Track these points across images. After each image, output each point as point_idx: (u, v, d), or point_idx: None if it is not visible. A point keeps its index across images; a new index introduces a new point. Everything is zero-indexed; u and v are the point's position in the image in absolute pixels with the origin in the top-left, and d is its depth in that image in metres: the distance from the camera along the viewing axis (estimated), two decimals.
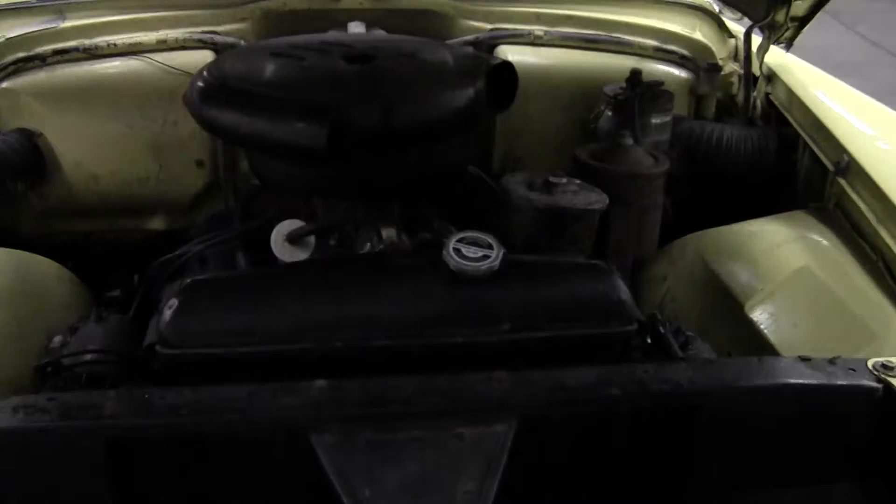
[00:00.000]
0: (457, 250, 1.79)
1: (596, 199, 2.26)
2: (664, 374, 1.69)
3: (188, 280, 1.87)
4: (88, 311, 2.37)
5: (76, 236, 3.10)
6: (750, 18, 3.06)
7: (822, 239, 2.49)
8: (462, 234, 1.83)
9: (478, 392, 1.61)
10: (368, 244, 2.11)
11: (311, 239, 2.22)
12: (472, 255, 1.79)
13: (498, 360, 1.79)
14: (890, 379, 1.71)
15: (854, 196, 2.45)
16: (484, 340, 1.79)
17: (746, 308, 2.31)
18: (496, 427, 1.62)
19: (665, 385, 1.66)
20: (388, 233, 2.11)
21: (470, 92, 2.16)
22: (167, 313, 1.77)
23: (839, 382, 1.71)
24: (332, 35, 2.84)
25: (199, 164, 2.98)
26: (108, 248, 3.13)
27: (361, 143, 2.07)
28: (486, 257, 1.79)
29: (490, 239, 1.83)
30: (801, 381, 1.70)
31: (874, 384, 1.71)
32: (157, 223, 3.11)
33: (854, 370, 1.74)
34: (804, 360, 1.75)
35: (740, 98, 3.19)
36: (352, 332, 1.77)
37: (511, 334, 1.80)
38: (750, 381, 1.70)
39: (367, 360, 1.78)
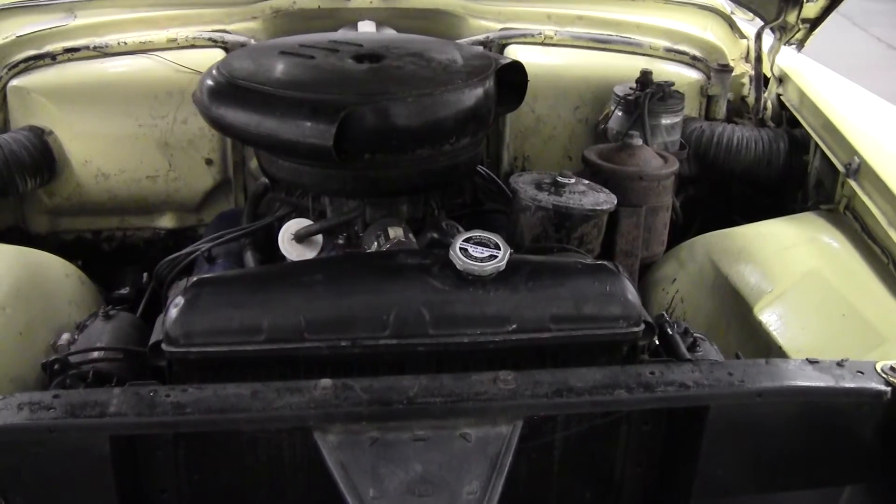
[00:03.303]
0: (463, 250, 1.79)
1: (604, 200, 2.25)
2: (671, 375, 1.67)
3: (194, 278, 1.86)
4: (97, 308, 2.37)
5: (85, 234, 3.12)
6: (761, 19, 3.05)
7: (833, 241, 2.48)
8: (469, 234, 1.82)
9: (483, 392, 1.60)
10: (375, 243, 2.10)
11: (319, 238, 2.22)
12: (478, 256, 1.78)
13: (504, 360, 1.79)
14: None
15: (865, 198, 2.43)
16: (490, 341, 1.78)
17: (756, 310, 2.30)
18: (501, 427, 1.61)
19: (671, 387, 1.65)
20: (395, 232, 2.10)
21: (479, 91, 2.15)
22: (173, 311, 1.76)
23: (847, 385, 1.70)
24: (341, 34, 2.84)
25: (209, 162, 2.99)
26: (117, 245, 3.15)
27: (369, 143, 2.06)
28: (492, 257, 1.78)
29: (497, 239, 1.82)
30: (808, 383, 1.69)
31: (882, 387, 1.70)
32: (166, 221, 3.12)
33: (862, 373, 1.73)
34: (812, 362, 1.74)
35: (751, 99, 3.18)
36: (357, 331, 1.76)
37: (517, 335, 1.79)
38: (757, 382, 1.68)
39: (372, 360, 1.77)
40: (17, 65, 2.90)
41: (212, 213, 3.06)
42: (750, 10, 3.19)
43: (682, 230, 2.88)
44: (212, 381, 1.66)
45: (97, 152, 2.93)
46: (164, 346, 1.75)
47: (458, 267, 1.77)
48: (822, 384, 1.69)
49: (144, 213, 3.10)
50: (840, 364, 1.74)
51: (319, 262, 2.15)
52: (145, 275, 2.77)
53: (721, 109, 3.16)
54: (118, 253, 3.14)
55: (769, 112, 3.13)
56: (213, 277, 1.92)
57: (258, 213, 2.52)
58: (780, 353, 2.17)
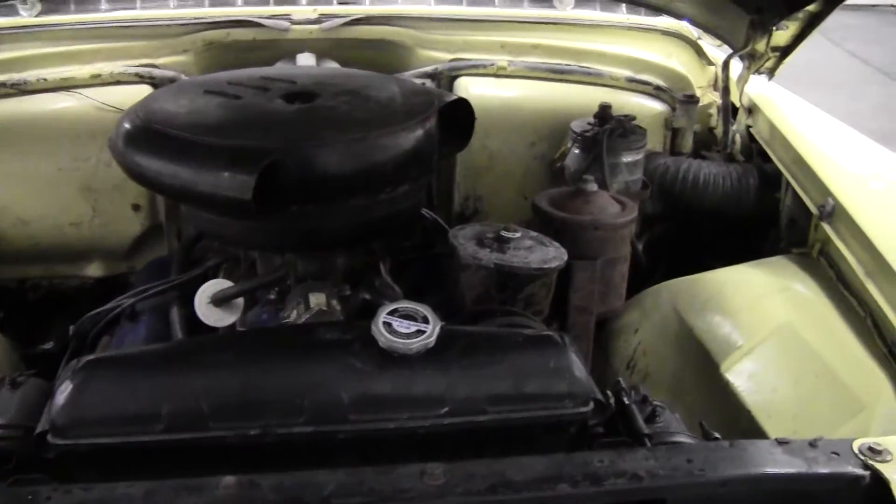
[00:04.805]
0: (387, 325, 1.59)
1: (553, 256, 2.04)
2: (622, 464, 1.49)
3: (85, 359, 1.66)
4: (11, 369, 2.19)
5: (9, 282, 2.92)
6: (730, 46, 2.88)
7: (806, 290, 2.29)
8: (394, 306, 1.62)
9: (408, 489, 1.41)
10: (294, 312, 1.90)
11: (240, 300, 2.02)
12: (403, 331, 1.59)
13: (438, 446, 1.60)
14: (877, 465, 1.51)
15: (839, 244, 2.25)
16: (419, 426, 1.58)
17: (723, 368, 2.12)
18: None
19: (622, 479, 1.46)
20: (316, 299, 1.89)
21: (418, 134, 1.97)
22: (59, 398, 1.56)
23: (820, 470, 1.51)
24: (276, 69, 2.66)
25: (136, 208, 2.81)
26: (43, 294, 2.97)
27: (296, 194, 1.87)
28: (420, 332, 1.59)
29: (426, 311, 1.62)
30: (777, 470, 1.51)
31: (860, 471, 1.51)
32: (93, 269, 2.94)
33: (837, 454, 1.54)
34: (781, 443, 1.56)
35: (719, 131, 3.01)
36: (269, 417, 1.56)
37: (450, 418, 1.59)
38: (720, 470, 1.50)
39: (285, 450, 1.58)
40: None
41: (144, 260, 2.87)
42: (717, 36, 3.02)
43: (646, 274, 2.70)
44: (105, 475, 1.46)
45: (14, 197, 2.75)
46: (49, 437, 1.55)
47: (381, 344, 1.58)
48: (792, 470, 1.51)
49: (70, 261, 2.91)
50: (813, 444, 1.55)
51: (226, 338, 1.95)
52: (72, 328, 2.59)
53: (687, 143, 2.99)
54: (45, 302, 2.95)
55: (738, 146, 2.96)
56: (106, 357, 1.73)
57: (191, 261, 2.32)
58: (748, 417, 2.00)
